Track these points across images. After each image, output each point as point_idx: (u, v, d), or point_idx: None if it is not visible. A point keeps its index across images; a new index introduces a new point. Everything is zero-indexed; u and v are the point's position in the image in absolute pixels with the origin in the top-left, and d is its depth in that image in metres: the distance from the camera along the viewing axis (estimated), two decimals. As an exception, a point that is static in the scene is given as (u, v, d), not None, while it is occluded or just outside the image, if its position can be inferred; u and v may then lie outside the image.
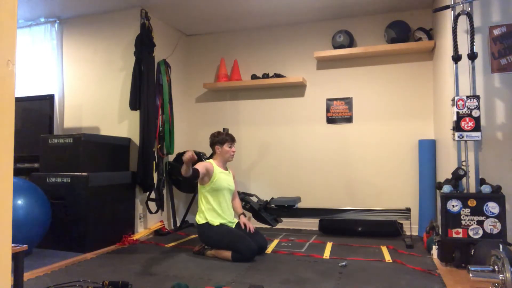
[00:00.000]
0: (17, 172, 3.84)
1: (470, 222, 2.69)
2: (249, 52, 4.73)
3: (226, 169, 3.34)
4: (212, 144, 3.31)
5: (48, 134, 3.81)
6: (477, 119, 2.74)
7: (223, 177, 3.23)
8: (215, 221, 3.12)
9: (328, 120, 4.39)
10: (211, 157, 3.46)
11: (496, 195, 2.66)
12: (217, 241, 3.09)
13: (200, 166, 3.08)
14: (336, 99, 4.37)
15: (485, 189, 2.69)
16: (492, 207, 2.65)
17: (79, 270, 2.77)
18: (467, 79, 2.90)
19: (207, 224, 3.13)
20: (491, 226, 2.65)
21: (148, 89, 3.86)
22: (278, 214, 3.98)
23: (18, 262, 1.93)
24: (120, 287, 2.31)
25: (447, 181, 2.89)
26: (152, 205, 4.04)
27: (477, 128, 2.73)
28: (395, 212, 3.75)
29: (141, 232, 3.92)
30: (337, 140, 4.35)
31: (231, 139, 3.31)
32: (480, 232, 2.66)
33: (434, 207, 3.79)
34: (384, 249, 3.30)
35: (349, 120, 4.32)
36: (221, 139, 3.27)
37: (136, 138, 3.96)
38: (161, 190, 4.13)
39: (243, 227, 3.20)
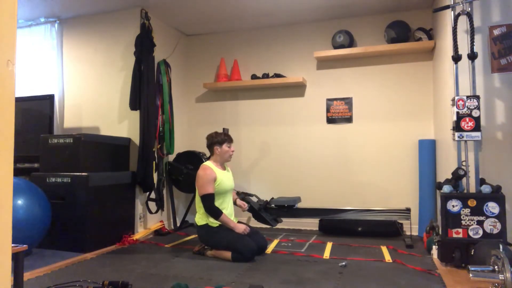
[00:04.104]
0: (17, 172, 3.84)
1: (470, 222, 2.69)
2: (249, 52, 4.73)
3: (224, 168, 3.34)
4: (211, 145, 3.30)
5: (48, 134, 3.81)
6: (477, 119, 2.74)
7: (225, 179, 3.22)
8: (215, 222, 3.12)
9: (328, 120, 4.39)
10: (209, 158, 3.45)
11: (496, 195, 2.66)
12: (217, 242, 3.09)
13: (210, 187, 3.11)
14: (336, 99, 4.37)
15: (485, 189, 2.69)
16: (492, 207, 2.65)
17: (79, 270, 2.77)
18: (467, 79, 2.90)
19: (207, 225, 3.13)
20: (491, 226, 2.65)
21: (148, 89, 3.86)
22: (278, 214, 3.98)
23: (18, 262, 1.93)
24: (120, 287, 2.31)
25: (447, 181, 2.89)
26: (152, 205, 4.04)
27: (477, 128, 2.73)
28: (395, 212, 3.75)
29: (141, 232, 3.92)
30: (337, 140, 4.35)
31: (230, 139, 3.31)
32: (480, 232, 2.66)
33: (434, 207, 3.79)
34: (384, 249, 3.31)
35: (349, 120, 4.32)
36: (220, 139, 3.26)
37: (136, 138, 3.96)
38: (161, 190, 4.13)
39: (241, 206, 3.47)
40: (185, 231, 4.22)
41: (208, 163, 3.25)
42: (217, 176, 3.16)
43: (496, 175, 2.83)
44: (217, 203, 3.15)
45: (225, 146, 3.26)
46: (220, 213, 3.08)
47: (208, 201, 3.09)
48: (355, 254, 3.15)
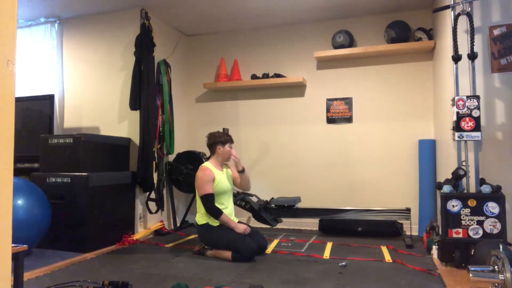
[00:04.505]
0: (17, 172, 3.84)
1: (470, 222, 2.69)
2: (249, 52, 4.73)
3: (222, 169, 3.34)
4: (213, 144, 3.29)
5: (48, 134, 3.81)
6: (477, 119, 2.74)
7: (223, 180, 3.23)
8: (215, 222, 3.12)
9: (328, 120, 4.39)
10: (209, 157, 3.45)
11: (496, 195, 2.66)
12: (217, 241, 3.09)
13: (209, 187, 3.11)
14: (336, 99, 4.37)
15: (485, 189, 2.69)
16: (492, 207, 2.65)
17: (79, 270, 2.77)
18: (467, 79, 2.90)
19: (207, 224, 3.13)
20: (491, 226, 2.65)
21: (148, 89, 3.86)
22: (278, 214, 3.98)
23: (18, 262, 1.93)
24: (120, 287, 2.31)
25: (447, 181, 2.89)
26: (152, 205, 4.04)
27: (477, 128, 2.73)
28: (395, 212, 3.75)
29: (141, 232, 3.92)
30: (337, 140, 4.35)
31: (231, 140, 3.34)
32: (480, 232, 2.66)
33: (434, 207, 3.79)
34: (384, 249, 3.31)
35: (349, 120, 4.32)
36: (223, 139, 3.28)
37: (136, 138, 3.96)
38: (161, 190, 4.13)
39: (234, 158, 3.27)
40: (185, 231, 4.22)
41: (207, 164, 3.26)
42: (216, 176, 3.16)
43: (496, 175, 2.83)
44: (217, 204, 3.15)
45: (227, 146, 3.28)
46: (220, 213, 3.08)
47: (208, 201, 3.09)
48: (355, 254, 3.15)
